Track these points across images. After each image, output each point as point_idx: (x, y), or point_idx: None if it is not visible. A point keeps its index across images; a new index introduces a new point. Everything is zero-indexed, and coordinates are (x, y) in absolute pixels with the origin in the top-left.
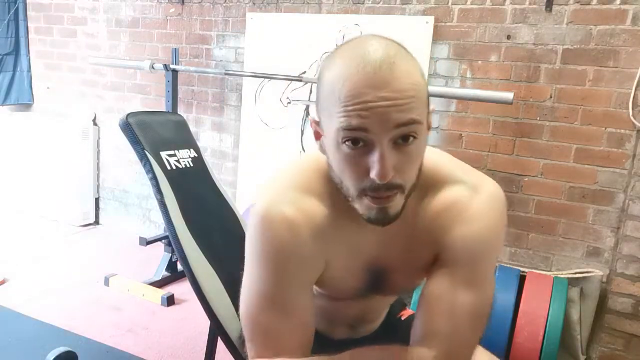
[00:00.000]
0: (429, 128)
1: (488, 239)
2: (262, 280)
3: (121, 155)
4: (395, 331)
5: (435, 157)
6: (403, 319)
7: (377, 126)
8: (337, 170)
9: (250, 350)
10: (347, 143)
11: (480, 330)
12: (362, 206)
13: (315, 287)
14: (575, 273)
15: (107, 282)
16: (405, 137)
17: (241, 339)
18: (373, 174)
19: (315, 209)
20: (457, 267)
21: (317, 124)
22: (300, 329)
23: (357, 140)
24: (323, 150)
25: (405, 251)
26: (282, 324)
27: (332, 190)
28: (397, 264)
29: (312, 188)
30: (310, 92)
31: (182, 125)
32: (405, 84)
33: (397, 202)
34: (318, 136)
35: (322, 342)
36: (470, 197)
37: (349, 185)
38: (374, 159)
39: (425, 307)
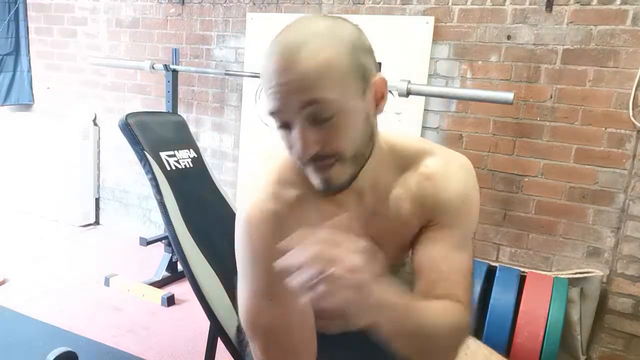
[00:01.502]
0: (381, 99)
1: (470, 201)
2: (255, 279)
3: (121, 155)
4: None
5: (404, 136)
6: None
7: (285, 107)
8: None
9: (254, 350)
10: (276, 125)
11: (471, 285)
12: (311, 177)
13: None
14: (575, 273)
15: (107, 282)
16: (317, 115)
17: (239, 338)
18: (294, 152)
19: (298, 197)
20: (450, 229)
21: None
22: (299, 321)
23: (281, 122)
24: None
25: (389, 226)
26: (282, 319)
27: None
28: (383, 240)
29: (290, 178)
30: None
31: (182, 126)
32: (306, 66)
33: (338, 171)
34: None
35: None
36: (448, 164)
37: (295, 160)
38: (294, 137)
39: (433, 272)
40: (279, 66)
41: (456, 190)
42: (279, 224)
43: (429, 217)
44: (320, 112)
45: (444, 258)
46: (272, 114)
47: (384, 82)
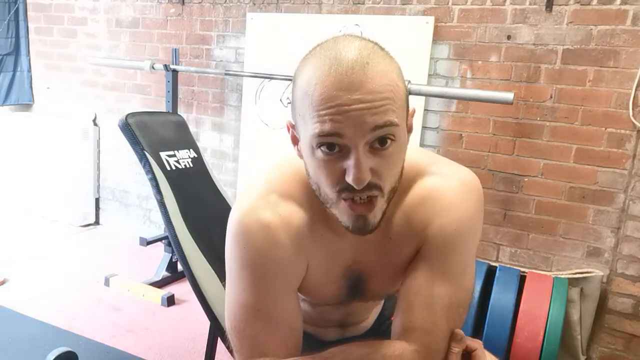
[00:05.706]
0: (410, 130)
1: (465, 228)
2: (243, 289)
3: (121, 155)
4: (388, 335)
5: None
6: None
7: (351, 130)
8: (313, 176)
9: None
10: (321, 148)
11: (458, 321)
12: (341, 213)
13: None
14: (575, 273)
15: (107, 282)
16: (382, 140)
17: (229, 348)
18: (349, 179)
19: (294, 213)
20: (434, 258)
21: (293, 127)
22: (287, 336)
23: (332, 145)
24: (300, 155)
25: (383, 254)
26: (268, 332)
27: (310, 194)
28: (376, 268)
29: (291, 192)
30: None
31: (182, 126)
32: (379, 85)
33: (377, 208)
34: (295, 141)
35: (312, 343)
36: (445, 186)
37: (327, 190)
38: (350, 163)
39: (404, 301)
40: (347, 83)
41: (447, 217)
42: (272, 236)
43: (420, 243)
44: (389, 137)
45: (417, 292)
46: (327, 136)
47: (414, 113)
